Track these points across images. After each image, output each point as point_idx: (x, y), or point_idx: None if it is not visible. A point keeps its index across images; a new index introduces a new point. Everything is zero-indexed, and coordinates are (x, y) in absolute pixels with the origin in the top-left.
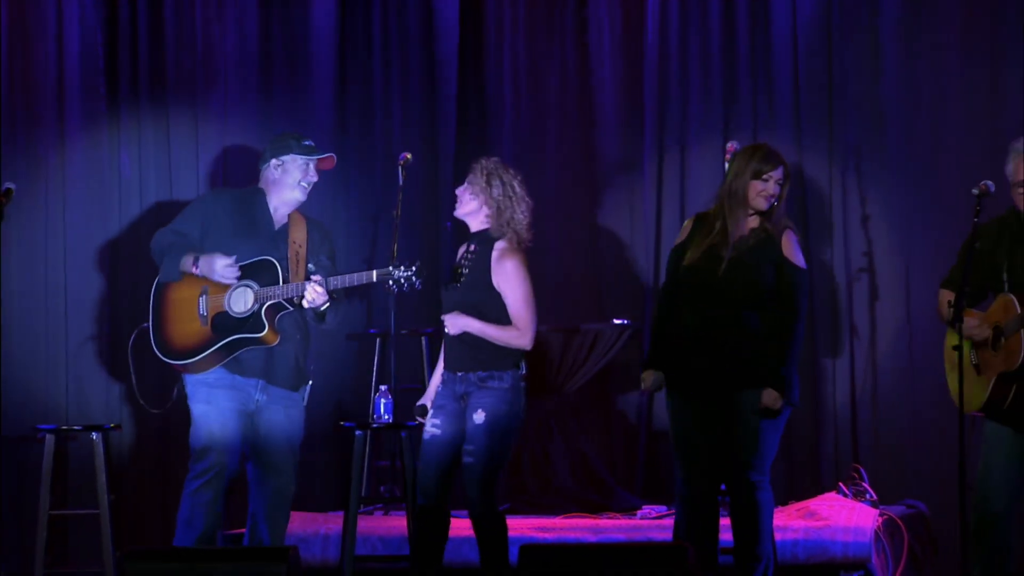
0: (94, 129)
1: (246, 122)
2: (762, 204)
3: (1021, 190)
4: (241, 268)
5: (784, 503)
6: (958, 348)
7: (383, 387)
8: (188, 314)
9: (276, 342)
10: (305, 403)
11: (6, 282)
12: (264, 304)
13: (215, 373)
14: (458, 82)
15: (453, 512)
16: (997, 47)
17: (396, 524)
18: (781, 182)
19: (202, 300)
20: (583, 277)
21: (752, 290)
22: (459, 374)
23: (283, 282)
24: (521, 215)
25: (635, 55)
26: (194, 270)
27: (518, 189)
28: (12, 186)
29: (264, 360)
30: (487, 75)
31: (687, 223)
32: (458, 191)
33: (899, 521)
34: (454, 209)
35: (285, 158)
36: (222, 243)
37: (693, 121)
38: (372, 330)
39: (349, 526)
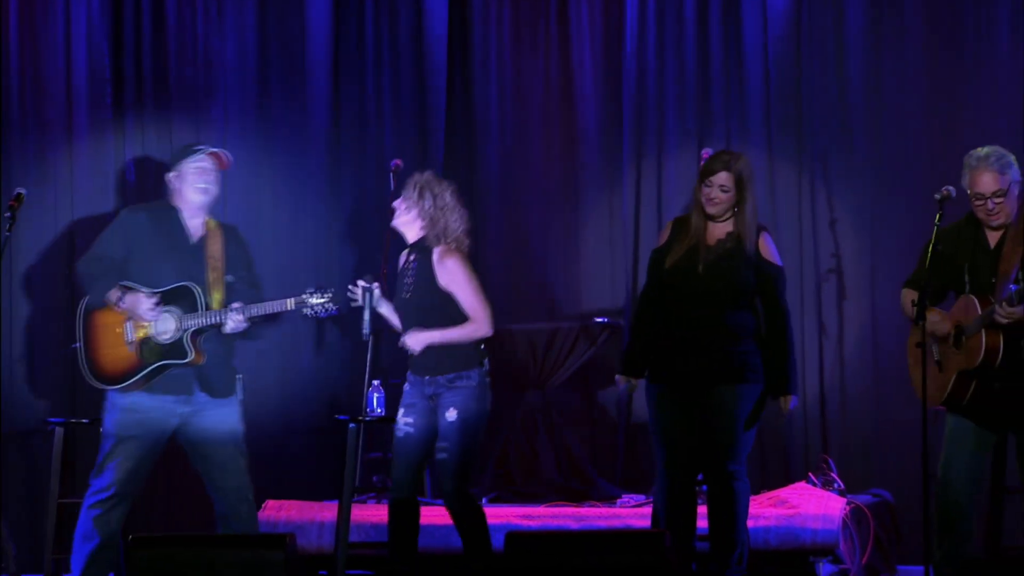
0: (100, 136)
1: (245, 129)
2: (709, 208)
3: (977, 202)
4: (161, 294)
5: (757, 492)
6: (921, 345)
7: (375, 382)
8: (116, 339)
9: (203, 361)
10: (241, 397)
11: (17, 281)
12: (187, 331)
13: (134, 396)
14: (447, 93)
15: (438, 501)
16: (958, 59)
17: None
18: (725, 187)
19: (128, 325)
20: (565, 277)
21: (732, 291)
22: (427, 377)
23: (203, 306)
24: (455, 223)
25: (614, 67)
26: (119, 306)
27: (450, 199)
28: (23, 191)
29: (192, 378)
30: (474, 86)
31: (667, 227)
32: (395, 204)
33: (865, 509)
34: None
35: (179, 166)
36: (145, 262)
37: (669, 130)
38: (366, 328)
39: (343, 514)
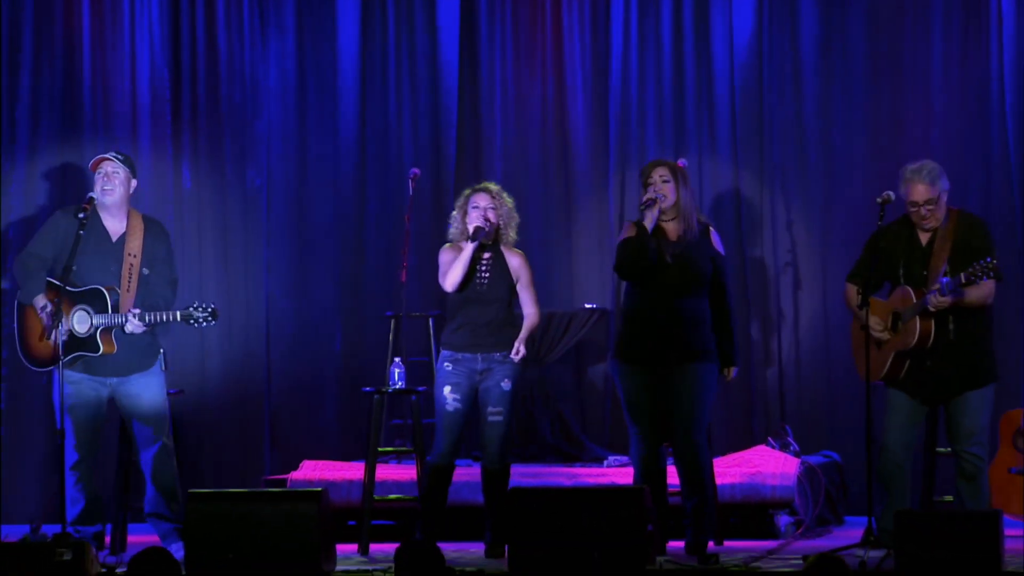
0: (161, 148)
1: (286, 143)
2: (660, 203)
3: (912, 208)
4: (79, 294)
5: (724, 454)
6: (865, 329)
7: (397, 359)
8: (44, 331)
9: (115, 350)
10: (163, 368)
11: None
12: (98, 328)
13: (71, 372)
14: (457, 112)
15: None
16: (896, 83)
17: (407, 472)
18: (665, 177)
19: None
20: (560, 270)
21: (696, 279)
22: (480, 355)
23: (112, 307)
24: (515, 218)
25: (602, 90)
26: (40, 315)
27: (512, 200)
28: (94, 195)
29: (109, 359)
30: (481, 106)
31: (629, 227)
32: (485, 214)
33: (817, 469)
34: (455, 215)
35: (94, 176)
36: (71, 264)
37: (649, 144)
38: (388, 312)
39: (369, 473)
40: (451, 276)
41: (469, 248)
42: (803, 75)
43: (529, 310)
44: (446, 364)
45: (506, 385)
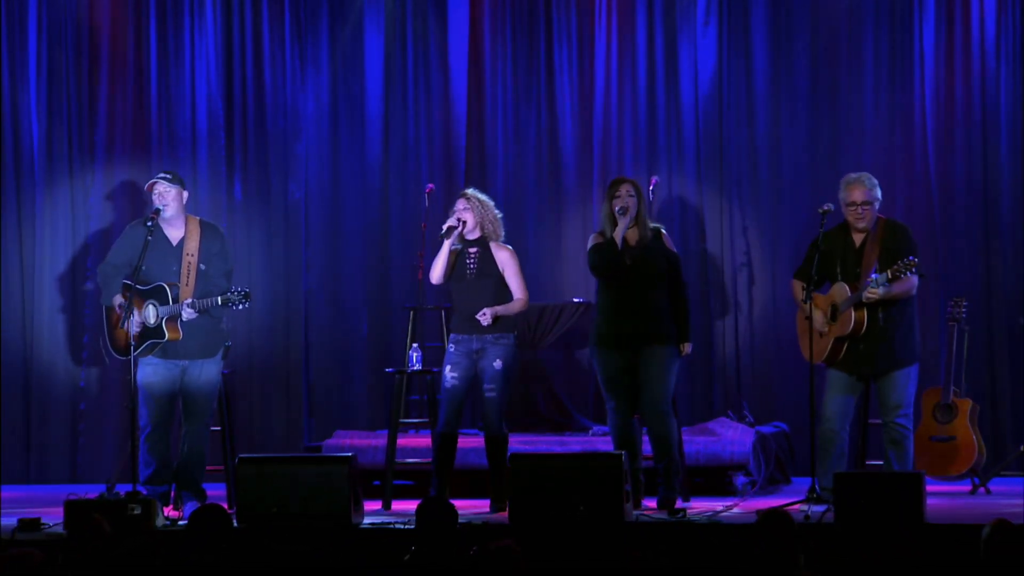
0: (216, 166)
1: (321, 163)
2: (620, 215)
3: (850, 207)
4: (147, 291)
5: (690, 424)
6: (809, 319)
7: (415, 344)
8: (120, 322)
9: (180, 337)
10: (221, 356)
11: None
12: (162, 318)
13: (150, 358)
14: (466, 136)
15: (461, 431)
16: (834, 112)
17: (424, 441)
18: (631, 192)
19: (133, 315)
20: (552, 268)
21: (654, 275)
22: (475, 336)
23: (172, 301)
24: (500, 225)
25: (587, 117)
26: (117, 310)
27: (489, 202)
28: (161, 207)
29: (181, 345)
30: (486, 131)
31: (597, 236)
32: (462, 217)
33: (768, 437)
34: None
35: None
36: (141, 263)
37: (627, 162)
38: (408, 305)
39: (391, 441)
40: (432, 271)
41: (445, 245)
42: (756, 104)
43: (518, 295)
44: (450, 346)
45: (498, 365)
